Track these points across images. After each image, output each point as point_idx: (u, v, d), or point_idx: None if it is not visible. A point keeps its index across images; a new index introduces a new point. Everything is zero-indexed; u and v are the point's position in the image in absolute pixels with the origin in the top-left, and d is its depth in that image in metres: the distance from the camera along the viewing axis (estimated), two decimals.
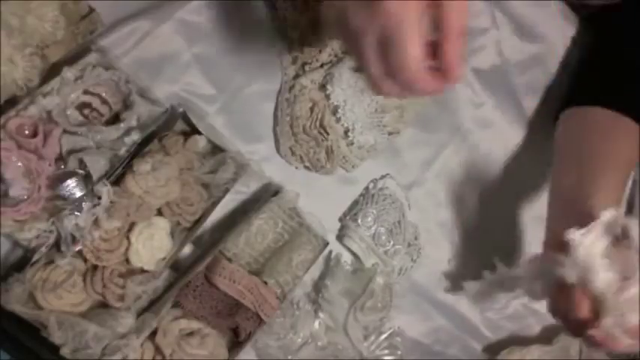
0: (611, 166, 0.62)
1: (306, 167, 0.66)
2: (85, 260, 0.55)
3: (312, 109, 0.64)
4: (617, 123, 0.66)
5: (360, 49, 0.43)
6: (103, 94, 0.58)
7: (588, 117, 0.68)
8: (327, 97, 0.65)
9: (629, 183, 0.79)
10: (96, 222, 0.54)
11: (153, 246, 0.56)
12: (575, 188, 0.61)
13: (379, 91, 0.46)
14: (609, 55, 0.71)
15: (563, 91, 0.74)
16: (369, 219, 0.67)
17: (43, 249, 0.53)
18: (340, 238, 0.68)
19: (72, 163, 0.54)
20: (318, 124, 0.64)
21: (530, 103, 0.75)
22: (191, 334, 0.58)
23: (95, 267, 0.55)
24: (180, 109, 0.61)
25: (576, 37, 0.76)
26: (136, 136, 0.57)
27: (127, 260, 0.56)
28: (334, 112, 0.65)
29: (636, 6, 0.69)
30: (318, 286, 0.66)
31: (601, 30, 0.73)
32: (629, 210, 0.78)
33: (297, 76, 0.65)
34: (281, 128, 0.65)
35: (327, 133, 0.65)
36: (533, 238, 0.75)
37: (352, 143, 0.66)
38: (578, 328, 0.51)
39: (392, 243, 0.67)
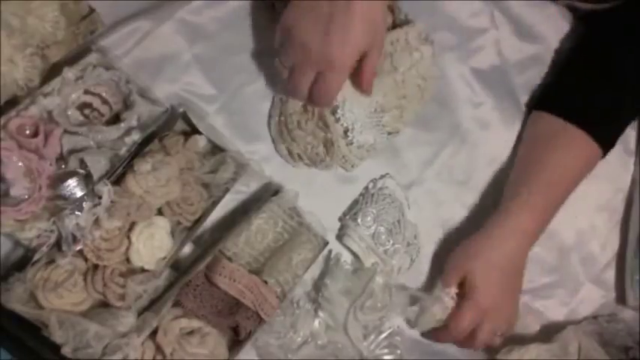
0: (541, 177, 0.65)
1: (306, 164, 0.66)
2: (86, 260, 0.55)
3: (304, 106, 0.64)
4: (563, 132, 0.67)
5: (300, 68, 0.56)
6: (104, 94, 0.58)
7: (539, 123, 0.70)
8: None
9: (628, 183, 0.79)
10: (96, 221, 0.54)
11: (153, 245, 0.56)
12: (507, 190, 0.67)
13: (292, 94, 0.61)
14: (583, 58, 0.71)
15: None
16: (369, 218, 0.67)
17: (44, 248, 0.53)
18: (340, 237, 0.68)
19: (73, 163, 0.55)
20: (316, 118, 0.64)
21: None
22: (191, 333, 0.58)
23: (96, 266, 0.55)
24: (181, 109, 0.61)
25: (571, 36, 0.76)
26: (136, 136, 0.57)
27: (128, 260, 0.56)
28: (333, 112, 0.65)
29: (626, 10, 0.69)
30: (318, 286, 0.66)
31: (590, 31, 0.73)
32: (628, 209, 0.78)
33: None
34: (272, 128, 0.65)
35: (327, 126, 0.64)
36: None
37: (352, 143, 0.66)
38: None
39: (391, 242, 0.67)
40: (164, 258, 0.57)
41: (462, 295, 0.63)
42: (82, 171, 0.54)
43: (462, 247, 0.65)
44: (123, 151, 0.56)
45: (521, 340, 0.73)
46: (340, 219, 0.68)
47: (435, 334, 0.65)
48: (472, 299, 0.62)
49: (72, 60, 0.57)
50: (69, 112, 0.56)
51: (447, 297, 0.63)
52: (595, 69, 0.69)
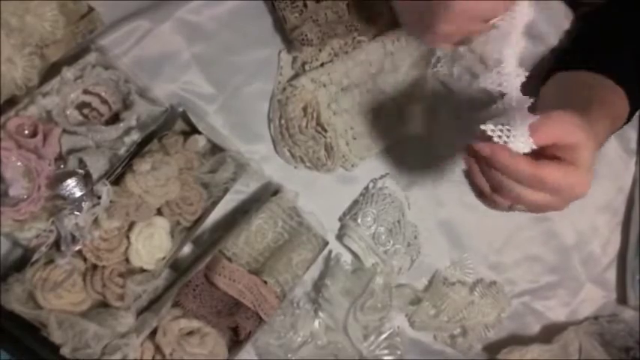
0: (602, 107, 0.58)
1: (308, 167, 0.66)
2: (85, 260, 0.55)
3: (304, 109, 0.64)
4: (604, 81, 0.62)
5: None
6: (103, 94, 0.58)
7: (574, 77, 0.64)
8: (329, 95, 0.65)
9: (630, 183, 0.79)
10: (96, 221, 0.54)
11: (152, 245, 0.56)
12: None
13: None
14: (596, 34, 0.69)
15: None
16: (369, 218, 0.67)
17: (43, 248, 0.53)
18: (340, 237, 0.68)
19: (72, 163, 0.54)
20: (314, 122, 0.64)
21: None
22: (191, 333, 0.58)
23: (95, 266, 0.55)
24: (180, 109, 0.61)
25: (572, 35, 0.76)
26: (135, 136, 0.57)
27: (127, 260, 0.56)
28: (332, 109, 0.65)
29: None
30: (318, 286, 0.66)
31: (593, 27, 0.72)
32: (629, 209, 0.78)
33: (296, 76, 0.65)
34: (273, 131, 0.65)
35: (326, 131, 0.64)
36: (532, 238, 0.75)
37: (354, 138, 0.66)
38: None
39: (392, 242, 0.67)
40: (163, 258, 0.57)
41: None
42: (81, 171, 0.54)
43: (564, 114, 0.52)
44: (122, 150, 0.56)
45: (522, 341, 0.73)
46: (340, 219, 0.68)
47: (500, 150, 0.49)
48: (577, 172, 0.50)
49: (71, 59, 0.57)
50: (68, 112, 0.56)
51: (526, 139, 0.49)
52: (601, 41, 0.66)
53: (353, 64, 0.65)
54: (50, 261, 0.54)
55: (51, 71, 0.56)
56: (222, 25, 0.64)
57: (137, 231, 0.55)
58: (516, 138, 0.48)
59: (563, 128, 0.51)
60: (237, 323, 0.59)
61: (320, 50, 0.65)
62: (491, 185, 0.53)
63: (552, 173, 0.49)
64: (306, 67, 0.65)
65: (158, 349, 0.56)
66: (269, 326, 0.62)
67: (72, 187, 0.53)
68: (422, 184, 0.71)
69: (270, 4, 0.65)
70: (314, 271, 0.66)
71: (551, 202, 0.52)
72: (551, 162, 0.50)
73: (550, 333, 0.74)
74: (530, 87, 0.68)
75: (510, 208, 0.54)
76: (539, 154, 0.50)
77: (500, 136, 0.48)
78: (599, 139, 0.56)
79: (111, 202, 0.54)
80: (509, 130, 0.48)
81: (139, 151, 0.57)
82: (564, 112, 0.52)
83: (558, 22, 0.76)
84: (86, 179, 0.54)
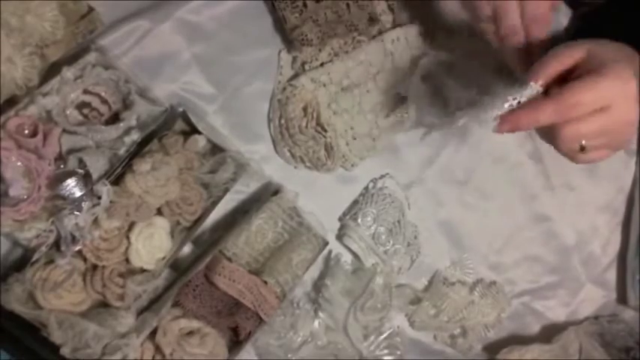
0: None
1: (308, 167, 0.66)
2: (85, 260, 0.55)
3: (304, 109, 0.64)
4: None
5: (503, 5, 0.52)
6: (103, 94, 0.58)
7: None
8: (329, 94, 0.65)
9: (630, 183, 0.78)
10: (96, 221, 0.54)
11: (153, 245, 0.56)
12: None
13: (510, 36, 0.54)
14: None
15: None
16: (369, 218, 0.67)
17: (43, 248, 0.53)
18: (340, 237, 0.68)
19: (72, 163, 0.54)
20: (314, 122, 0.64)
21: None
22: (191, 333, 0.58)
23: (95, 266, 0.55)
24: (180, 109, 0.61)
25: (571, 35, 0.76)
26: (135, 136, 0.57)
27: (127, 260, 0.56)
28: (332, 109, 0.65)
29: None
30: (317, 286, 0.66)
31: (593, 27, 0.72)
32: (629, 209, 0.78)
33: (296, 76, 0.65)
34: (273, 131, 0.65)
35: (326, 131, 0.64)
36: (532, 238, 0.75)
37: (353, 138, 0.66)
38: None
39: (392, 242, 0.67)
40: (163, 258, 0.57)
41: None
42: (81, 171, 0.54)
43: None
44: (122, 150, 0.56)
45: (522, 341, 0.73)
46: (340, 219, 0.68)
47: (532, 107, 0.47)
48: (600, 74, 0.46)
49: (71, 59, 0.57)
50: (68, 112, 0.56)
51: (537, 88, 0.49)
52: None
53: (353, 64, 0.66)
54: (50, 261, 0.54)
55: (51, 71, 0.56)
56: (222, 25, 0.64)
57: (137, 231, 0.55)
58: (524, 93, 0.48)
59: (563, 53, 0.49)
60: (237, 323, 0.59)
61: (320, 50, 0.65)
62: (552, 139, 0.50)
63: (577, 87, 0.46)
64: (306, 67, 0.65)
65: (158, 349, 0.56)
66: (269, 326, 0.62)
67: (72, 187, 0.53)
68: (422, 184, 0.71)
69: (270, 4, 0.65)
70: (314, 271, 0.66)
71: (610, 118, 0.47)
72: (572, 81, 0.47)
73: (550, 333, 0.74)
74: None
75: (583, 150, 0.49)
76: None
77: (512, 106, 0.48)
78: (627, 52, 0.50)
79: (111, 202, 0.54)
80: (514, 98, 0.48)
81: (138, 151, 0.57)
82: (560, 46, 0.49)
83: (558, 22, 0.76)
84: (86, 179, 0.54)
